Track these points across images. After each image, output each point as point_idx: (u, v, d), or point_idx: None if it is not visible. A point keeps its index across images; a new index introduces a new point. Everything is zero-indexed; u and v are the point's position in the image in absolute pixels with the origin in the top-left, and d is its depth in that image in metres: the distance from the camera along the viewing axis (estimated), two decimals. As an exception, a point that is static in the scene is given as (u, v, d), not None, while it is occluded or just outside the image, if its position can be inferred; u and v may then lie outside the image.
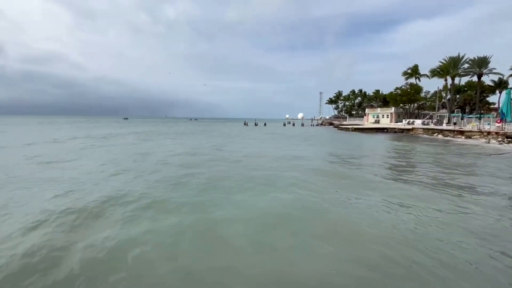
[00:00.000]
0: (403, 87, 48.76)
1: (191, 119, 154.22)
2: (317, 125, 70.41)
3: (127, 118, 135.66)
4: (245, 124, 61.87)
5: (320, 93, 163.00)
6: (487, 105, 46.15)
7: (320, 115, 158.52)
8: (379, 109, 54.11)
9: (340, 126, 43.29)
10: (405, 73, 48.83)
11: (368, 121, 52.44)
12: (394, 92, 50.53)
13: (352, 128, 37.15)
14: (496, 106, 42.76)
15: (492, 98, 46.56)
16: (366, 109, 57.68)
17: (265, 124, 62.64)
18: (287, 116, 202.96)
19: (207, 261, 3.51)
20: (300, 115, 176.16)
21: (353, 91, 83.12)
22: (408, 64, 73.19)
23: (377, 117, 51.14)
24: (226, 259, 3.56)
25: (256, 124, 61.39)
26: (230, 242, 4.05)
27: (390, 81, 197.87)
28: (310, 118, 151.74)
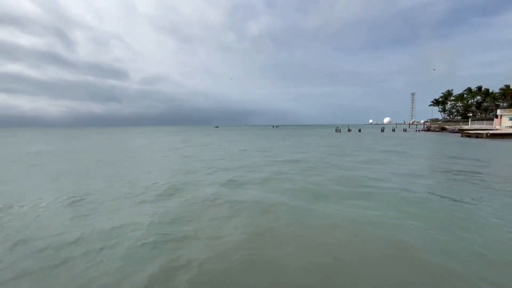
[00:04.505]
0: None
1: (273, 126, 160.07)
2: (421, 130, 62.27)
3: (217, 127, 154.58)
4: (337, 130, 60.94)
5: (412, 94, 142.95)
6: None
7: (412, 119, 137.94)
8: (521, 109, 43.71)
9: (467, 132, 37.15)
10: None
11: (500, 125, 43.21)
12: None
13: (487, 133, 31.60)
14: None
15: None
16: (499, 110, 47.38)
17: (359, 130, 60.09)
18: (370, 121, 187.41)
19: None
20: (386, 120, 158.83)
21: (469, 89, 69.67)
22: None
23: (517, 119, 41.47)
24: None
25: (349, 130, 59.62)
26: None
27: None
28: (399, 122, 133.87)
